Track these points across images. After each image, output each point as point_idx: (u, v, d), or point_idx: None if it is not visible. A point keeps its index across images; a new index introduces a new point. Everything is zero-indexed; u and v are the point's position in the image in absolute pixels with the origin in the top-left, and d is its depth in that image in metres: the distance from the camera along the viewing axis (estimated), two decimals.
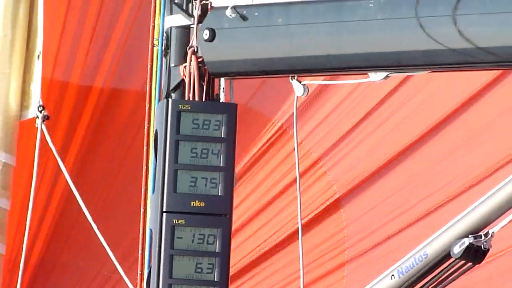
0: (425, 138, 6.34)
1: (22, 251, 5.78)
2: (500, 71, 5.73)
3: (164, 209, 3.73)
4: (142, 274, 4.15)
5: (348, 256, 6.08)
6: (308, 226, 5.59)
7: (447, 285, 3.92)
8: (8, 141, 5.37)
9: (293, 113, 4.62)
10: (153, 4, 4.05)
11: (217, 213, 3.80)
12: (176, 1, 3.90)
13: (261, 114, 5.78)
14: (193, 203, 3.72)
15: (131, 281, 5.33)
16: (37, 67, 5.20)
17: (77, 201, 5.43)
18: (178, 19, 3.87)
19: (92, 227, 5.58)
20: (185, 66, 3.75)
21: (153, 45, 3.99)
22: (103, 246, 5.86)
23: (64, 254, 6.35)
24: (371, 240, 6.04)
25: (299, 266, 4.49)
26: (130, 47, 5.61)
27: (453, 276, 3.89)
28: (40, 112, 5.16)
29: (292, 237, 6.22)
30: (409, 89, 6.38)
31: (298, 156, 4.92)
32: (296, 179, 5.55)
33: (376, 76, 3.80)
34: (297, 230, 5.84)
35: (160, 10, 3.96)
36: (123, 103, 5.54)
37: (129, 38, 5.54)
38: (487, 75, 5.64)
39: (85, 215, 5.53)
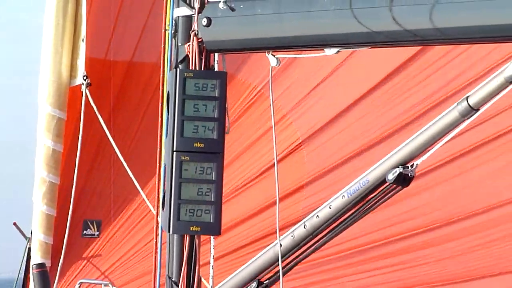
0: (367, 95, 6.37)
1: (71, 181, 5.82)
2: (420, 47, 5.81)
3: (174, 149, 3.87)
4: (158, 196, 4.40)
5: (307, 179, 6.22)
6: (278, 161, 5.23)
7: (382, 202, 4.14)
8: (61, 102, 5.52)
9: (269, 79, 4.85)
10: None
11: (213, 152, 3.94)
12: (177, 13, 4.08)
13: (245, 81, 5.86)
14: (196, 144, 3.88)
15: (150, 202, 5.47)
16: (82, 47, 5.45)
17: (110, 142, 5.68)
18: (183, 11, 4.00)
19: (121, 162, 5.71)
20: (189, 45, 3.90)
21: (165, 30, 4.23)
22: (129, 176, 5.75)
23: (100, 184, 6.39)
24: (326, 169, 6.12)
25: (274, 192, 4.54)
26: (147, 30, 5.68)
27: (387, 196, 4.12)
28: (84, 80, 5.43)
29: (266, 171, 6.33)
30: (353, 60, 6.35)
31: (273, 110, 5.19)
32: (272, 127, 5.43)
33: (330, 51, 4.02)
34: (269, 167, 6.16)
35: (170, 3, 4.12)
36: (143, 72, 5.64)
37: (147, 24, 5.62)
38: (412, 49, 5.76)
39: (116, 153, 5.68)
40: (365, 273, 6.74)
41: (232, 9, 3.78)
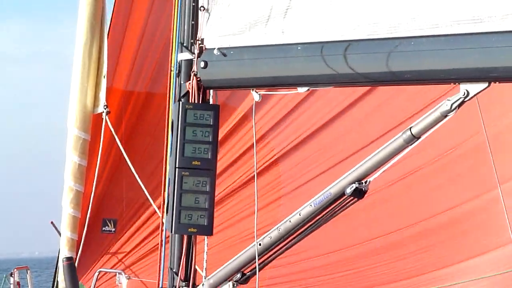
0: (336, 118, 6.16)
1: (91, 189, 5.86)
2: (369, 87, 5.70)
3: (177, 166, 4.00)
4: (163, 203, 4.42)
5: (283, 192, 6.03)
6: (257, 174, 5.48)
7: (342, 211, 4.16)
8: (86, 126, 5.58)
9: (252, 106, 4.82)
10: (171, 45, 4.36)
11: (207, 168, 4.08)
12: (184, 45, 4.15)
13: (233, 107, 5.82)
14: (194, 162, 4.02)
15: (157, 207, 5.50)
16: (103, 83, 5.47)
17: (125, 159, 5.70)
18: (185, 55, 4.10)
19: (134, 175, 5.72)
20: (189, 83, 4.02)
21: (171, 70, 4.30)
22: (141, 187, 5.76)
23: (116, 191, 6.30)
24: (298, 183, 5.92)
25: (253, 201, 4.80)
26: (158, 68, 5.70)
27: (345, 206, 4.17)
28: (105, 109, 5.51)
29: (247, 183, 6.18)
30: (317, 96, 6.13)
31: (255, 131, 5.08)
32: (253, 145, 5.51)
33: (301, 89, 4.14)
34: (249, 180, 5.99)
35: (174, 49, 4.25)
36: (154, 102, 5.64)
37: (157, 63, 5.66)
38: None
39: (129, 168, 5.70)
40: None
41: (224, 55, 3.90)
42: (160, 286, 4.46)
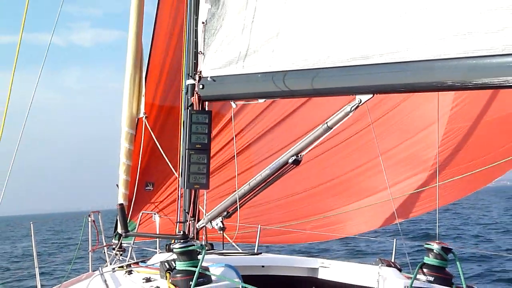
0: (286, 117, 5.79)
1: (137, 164, 5.76)
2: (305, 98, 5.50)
3: (187, 148, 4.15)
4: (179, 171, 4.52)
5: (254, 163, 5.68)
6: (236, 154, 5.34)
7: (287, 173, 4.43)
8: (133, 125, 5.59)
9: (232, 112, 5.05)
10: (181, 76, 4.40)
11: (204, 149, 4.21)
12: (190, 75, 4.23)
13: (222, 114, 5.57)
14: (197, 146, 4.19)
15: (176, 173, 5.27)
16: (143, 100, 5.44)
17: (158, 147, 5.54)
18: (191, 81, 4.21)
19: (163, 155, 5.53)
20: (193, 98, 4.16)
21: (182, 91, 4.41)
22: (167, 163, 5.52)
23: (152, 164, 5.96)
24: (262, 157, 5.63)
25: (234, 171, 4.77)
26: (176, 91, 5.40)
27: (288, 170, 4.45)
28: (144, 114, 5.50)
29: (231, 159, 5.78)
30: (274, 104, 5.81)
31: (234, 127, 5.37)
32: (233, 137, 5.54)
33: (261, 100, 4.46)
34: (231, 158, 5.68)
35: (184, 78, 4.34)
36: (174, 111, 5.33)
37: (176, 88, 5.33)
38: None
39: (160, 150, 5.55)
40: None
41: (214, 80, 4.05)
42: (178, 220, 4.53)
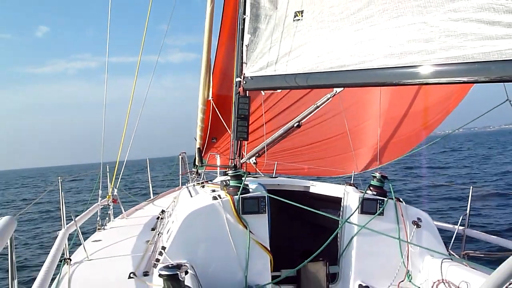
0: (291, 105, 5.53)
1: (207, 126, 5.54)
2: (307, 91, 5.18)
3: (236, 117, 3.96)
4: (232, 132, 4.18)
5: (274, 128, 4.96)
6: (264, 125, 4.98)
7: (291, 133, 4.37)
8: (204, 103, 5.38)
9: (262, 97, 5.07)
10: (234, 76, 4.04)
11: (246, 118, 3.94)
12: (238, 75, 3.95)
13: (257, 99, 5.28)
14: (241, 115, 3.98)
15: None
16: (210, 89, 5.19)
17: (219, 117, 5.21)
18: (238, 79, 3.96)
19: (223, 123, 5.19)
20: (240, 88, 3.94)
21: (234, 84, 4.07)
22: (225, 127, 5.14)
23: (217, 127, 5.51)
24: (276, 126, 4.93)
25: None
26: (230, 84, 4.63)
27: (294, 130, 4.36)
28: (211, 98, 5.26)
29: (260, 127, 5.32)
30: (286, 96, 5.51)
31: (264, 111, 5.10)
32: (263, 114, 5.13)
33: (278, 90, 4.53)
34: (259, 127, 5.26)
35: (235, 76, 4.03)
36: (229, 97, 4.72)
37: (231, 82, 4.38)
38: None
39: (221, 120, 5.12)
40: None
41: (252, 79, 3.80)
42: (230, 158, 4.25)
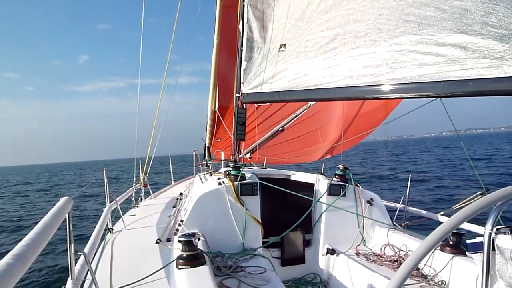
0: (276, 112, 5.18)
1: (213, 130, 5.22)
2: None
3: (236, 123, 3.63)
4: (233, 134, 3.86)
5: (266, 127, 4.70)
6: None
7: (277, 135, 4.18)
8: (212, 113, 5.11)
9: (254, 108, 4.72)
10: (234, 92, 3.64)
11: (243, 124, 3.68)
12: (237, 91, 3.60)
13: (251, 109, 4.91)
14: (240, 123, 3.70)
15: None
16: (216, 102, 4.81)
17: (223, 124, 4.94)
18: (237, 95, 3.67)
19: (226, 129, 4.83)
20: (239, 102, 3.66)
21: (234, 99, 3.72)
22: (228, 132, 4.81)
23: (221, 130, 5.30)
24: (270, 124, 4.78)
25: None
26: (230, 98, 4.65)
27: (277, 134, 4.23)
28: (217, 109, 4.90)
29: (253, 129, 4.96)
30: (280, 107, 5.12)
31: (256, 117, 4.76)
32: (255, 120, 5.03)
33: (266, 103, 4.19)
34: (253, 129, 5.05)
35: (235, 93, 3.69)
36: (230, 108, 4.78)
37: (231, 96, 3.97)
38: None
39: (224, 126, 4.94)
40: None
41: (247, 95, 3.48)
42: (231, 153, 3.96)
